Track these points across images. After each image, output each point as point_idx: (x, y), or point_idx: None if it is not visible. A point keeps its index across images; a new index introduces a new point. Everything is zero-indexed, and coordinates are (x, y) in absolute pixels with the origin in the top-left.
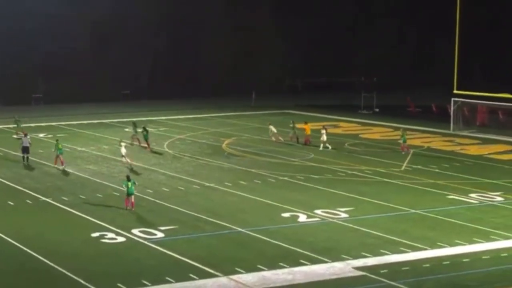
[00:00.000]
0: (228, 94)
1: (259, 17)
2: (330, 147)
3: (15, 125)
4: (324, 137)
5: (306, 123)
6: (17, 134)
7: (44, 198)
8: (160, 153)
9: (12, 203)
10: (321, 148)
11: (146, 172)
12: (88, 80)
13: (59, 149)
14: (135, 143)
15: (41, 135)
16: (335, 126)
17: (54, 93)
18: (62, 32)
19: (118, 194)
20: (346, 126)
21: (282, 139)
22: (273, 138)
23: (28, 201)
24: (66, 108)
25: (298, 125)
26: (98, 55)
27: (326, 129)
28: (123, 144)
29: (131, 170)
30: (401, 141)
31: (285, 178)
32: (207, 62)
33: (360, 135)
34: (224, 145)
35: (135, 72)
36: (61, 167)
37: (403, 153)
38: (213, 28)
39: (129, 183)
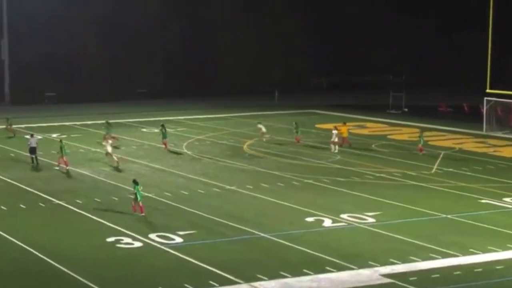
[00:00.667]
0: (250, 93)
1: (282, 12)
2: (337, 149)
3: (7, 125)
4: (336, 138)
5: (344, 123)
6: (12, 132)
7: (57, 201)
8: (178, 154)
9: (24, 206)
10: (332, 150)
11: (164, 174)
12: (104, 79)
13: (64, 150)
14: (109, 141)
15: (54, 135)
16: (362, 127)
17: (68, 92)
18: (77, 30)
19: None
20: (374, 126)
21: (265, 138)
22: (264, 139)
23: (40, 204)
24: (80, 108)
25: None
26: (113, 53)
27: (338, 130)
28: (108, 142)
29: (117, 168)
30: (420, 143)
31: (310, 181)
32: (227, 60)
33: (388, 136)
34: (245, 146)
35: (151, 70)
36: (57, 168)
37: (420, 153)
38: (232, 24)
39: (138, 187)
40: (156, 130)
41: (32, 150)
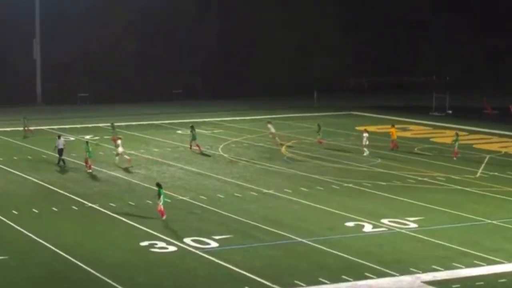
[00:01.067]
0: (288, 94)
1: (321, 10)
2: (368, 152)
3: (26, 126)
4: (366, 141)
5: (393, 126)
6: (28, 132)
7: (90, 204)
8: (214, 157)
9: (56, 209)
10: (365, 154)
11: (199, 177)
12: (138, 79)
13: (88, 152)
14: (118, 142)
15: (87, 137)
16: (404, 129)
17: (101, 92)
18: (111, 30)
19: (169, 200)
20: (416, 129)
21: (279, 140)
22: (277, 138)
23: (73, 207)
24: (114, 108)
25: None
26: (148, 52)
27: (368, 132)
28: (119, 142)
29: (126, 169)
30: (455, 146)
31: (350, 185)
32: (264, 60)
33: (431, 139)
34: (283, 149)
35: (187, 70)
36: (90, 170)
37: (455, 158)
38: (271, 23)
39: (162, 190)
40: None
41: (60, 152)
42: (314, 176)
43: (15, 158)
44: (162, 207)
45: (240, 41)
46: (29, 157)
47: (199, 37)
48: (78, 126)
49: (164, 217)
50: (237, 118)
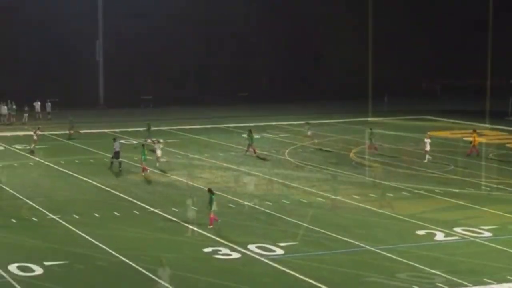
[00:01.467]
0: (357, 97)
1: (392, 11)
2: (431, 158)
3: (71, 129)
4: (428, 147)
5: (474, 131)
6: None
7: (152, 209)
8: (280, 162)
9: (117, 214)
10: (426, 160)
11: (265, 182)
12: (202, 82)
13: (144, 155)
14: (159, 145)
15: (149, 140)
16: (479, 135)
17: (165, 95)
18: (175, 32)
19: (233, 206)
20: (491, 134)
21: (316, 140)
22: (310, 140)
23: (135, 211)
24: (178, 111)
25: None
26: (214, 55)
27: (430, 138)
28: (158, 145)
29: (163, 171)
30: None
31: (421, 192)
32: (332, 63)
33: (508, 145)
34: (351, 154)
35: (254, 72)
36: (143, 174)
37: None
38: (339, 25)
39: (214, 197)
40: (257, 136)
41: (116, 154)
42: (383, 182)
43: (76, 161)
44: (212, 214)
45: (309, 43)
46: (91, 160)
47: (266, 38)
48: (141, 129)
49: (211, 226)
50: (304, 122)
